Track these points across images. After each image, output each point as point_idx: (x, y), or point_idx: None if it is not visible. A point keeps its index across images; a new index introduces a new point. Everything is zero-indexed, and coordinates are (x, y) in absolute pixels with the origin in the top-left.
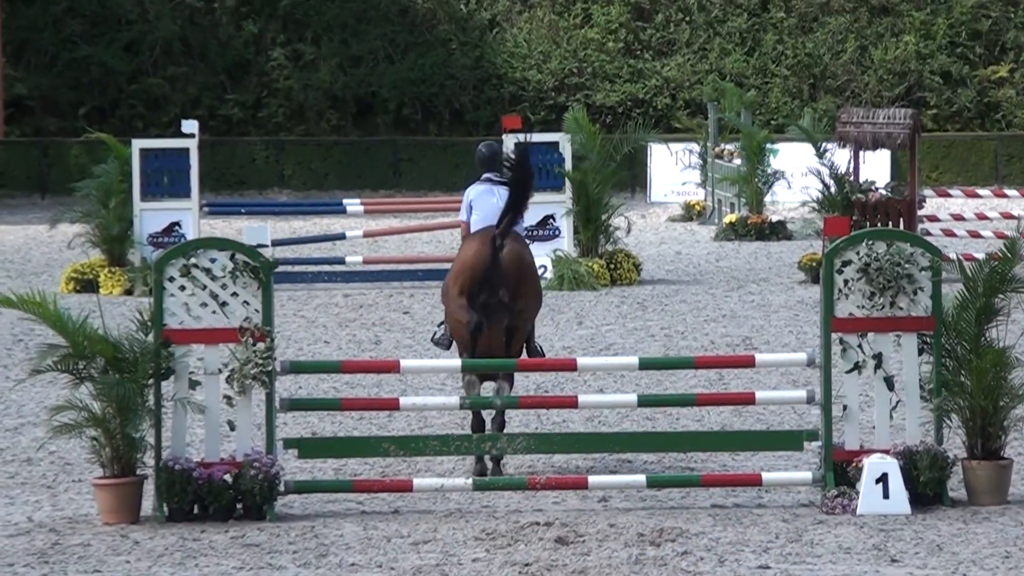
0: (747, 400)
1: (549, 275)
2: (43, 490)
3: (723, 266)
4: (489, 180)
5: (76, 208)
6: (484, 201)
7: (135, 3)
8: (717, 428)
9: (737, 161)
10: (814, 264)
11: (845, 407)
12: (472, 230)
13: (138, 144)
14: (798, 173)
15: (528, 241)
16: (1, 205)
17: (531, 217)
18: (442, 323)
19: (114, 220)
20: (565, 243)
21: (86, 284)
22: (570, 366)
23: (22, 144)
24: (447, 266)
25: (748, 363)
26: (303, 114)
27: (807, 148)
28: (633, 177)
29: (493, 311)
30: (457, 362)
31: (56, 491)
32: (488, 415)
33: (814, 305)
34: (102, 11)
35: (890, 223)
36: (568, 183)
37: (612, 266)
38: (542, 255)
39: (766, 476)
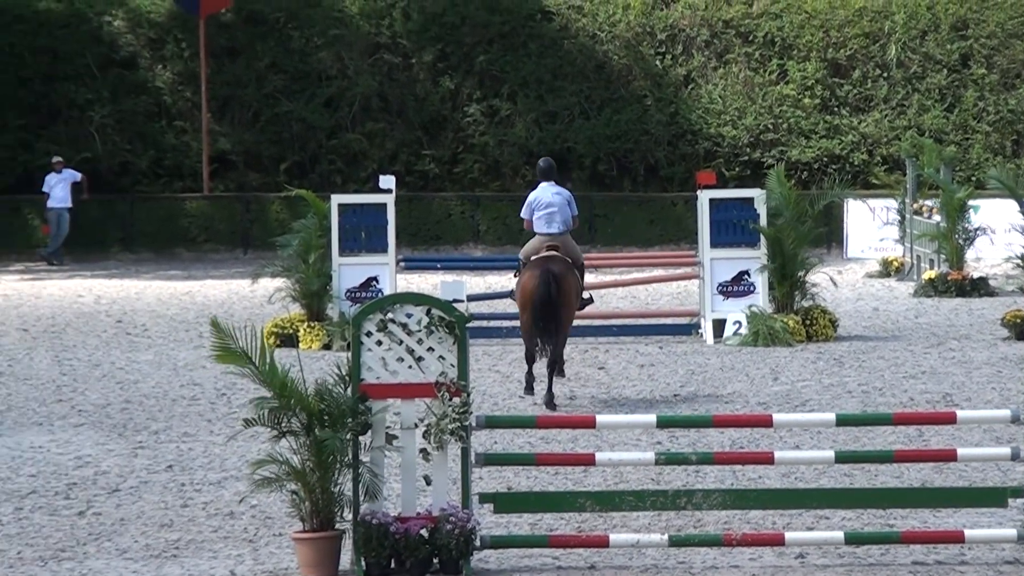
0: (948, 457)
1: (744, 331)
2: (245, 544)
3: (922, 322)
4: (544, 184)
5: (277, 263)
6: (542, 200)
7: (335, 60)
8: (917, 485)
9: (936, 217)
10: (1019, 321)
11: None
12: (535, 221)
13: (337, 199)
14: (1001, 229)
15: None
16: (206, 259)
17: (726, 273)
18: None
19: (313, 275)
20: (760, 299)
21: (286, 339)
22: (766, 422)
23: (226, 199)
24: (643, 322)
25: (949, 420)
26: (498, 169)
27: (1011, 204)
28: (829, 233)
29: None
30: (652, 417)
31: (257, 545)
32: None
33: (1018, 362)
34: (303, 67)
35: None
36: (763, 239)
37: (808, 322)
38: (736, 311)
39: (968, 533)
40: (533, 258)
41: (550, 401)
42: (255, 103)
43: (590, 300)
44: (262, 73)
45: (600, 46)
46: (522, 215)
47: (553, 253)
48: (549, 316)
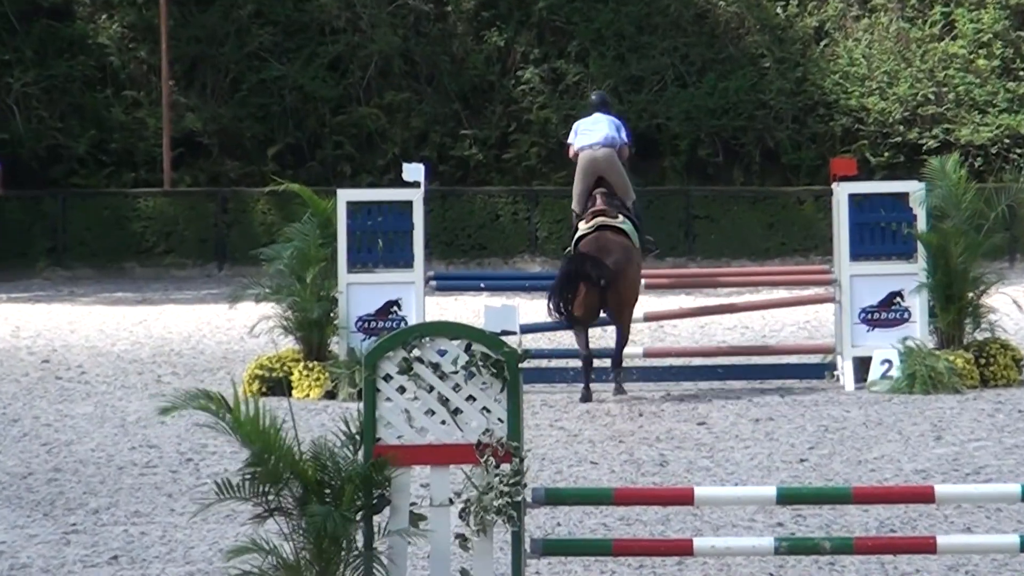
0: None
1: (895, 372)
2: None
3: None
4: (593, 113)
5: (262, 282)
6: (586, 121)
7: (343, 7)
8: None
9: None
10: None
11: None
12: (577, 141)
13: (345, 196)
14: None
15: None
16: (167, 277)
17: (872, 294)
18: None
19: (312, 298)
20: (918, 329)
21: (275, 384)
22: (925, 496)
23: (194, 196)
24: (758, 361)
25: None
26: (563, 155)
27: None
28: (1012, 240)
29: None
30: (772, 490)
31: None
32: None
33: None
34: (299, 17)
35: None
36: (921, 249)
37: (983, 361)
38: (886, 346)
39: None
40: (585, 234)
41: (619, 388)
42: (234, 66)
43: (653, 247)
44: (243, 25)
45: None
46: (568, 141)
47: (603, 222)
48: (596, 312)
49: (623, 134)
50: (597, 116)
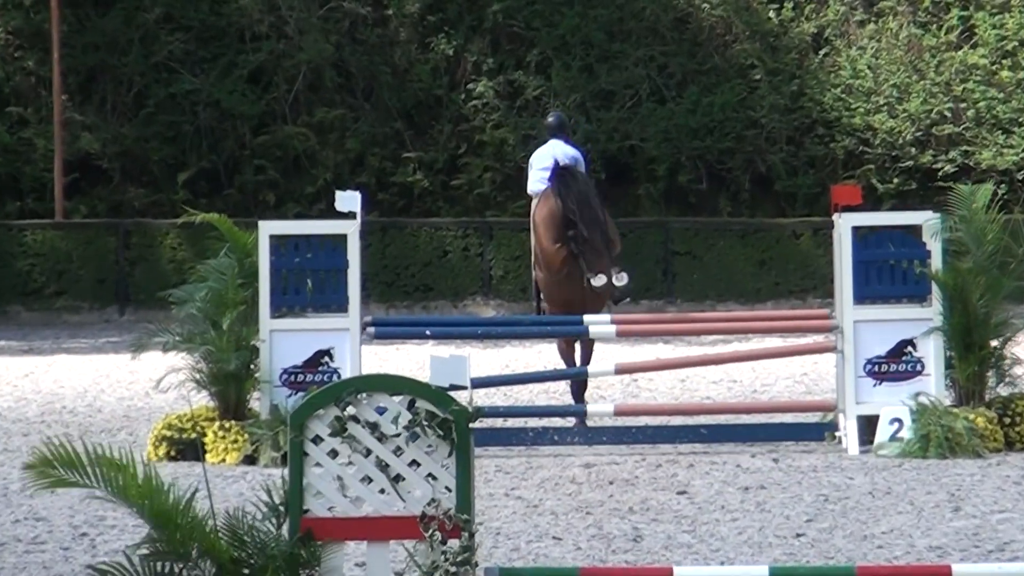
0: None
1: (907, 433)
2: None
3: None
4: (553, 142)
5: (171, 328)
6: (544, 156)
7: (266, 10)
8: None
9: None
10: None
11: None
12: (534, 182)
13: (268, 228)
14: None
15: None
16: (59, 322)
17: (879, 343)
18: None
19: (229, 347)
20: (932, 383)
21: (186, 447)
22: None
23: (91, 228)
24: (745, 419)
25: None
26: (521, 182)
27: None
28: None
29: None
30: (764, 570)
31: None
32: None
33: None
34: (215, 22)
35: None
36: (936, 291)
37: (1007, 420)
38: (895, 402)
39: None
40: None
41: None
42: (138, 78)
43: (628, 289)
44: (150, 31)
45: None
46: (528, 191)
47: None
48: (583, 214)
49: (580, 168)
50: (553, 144)
